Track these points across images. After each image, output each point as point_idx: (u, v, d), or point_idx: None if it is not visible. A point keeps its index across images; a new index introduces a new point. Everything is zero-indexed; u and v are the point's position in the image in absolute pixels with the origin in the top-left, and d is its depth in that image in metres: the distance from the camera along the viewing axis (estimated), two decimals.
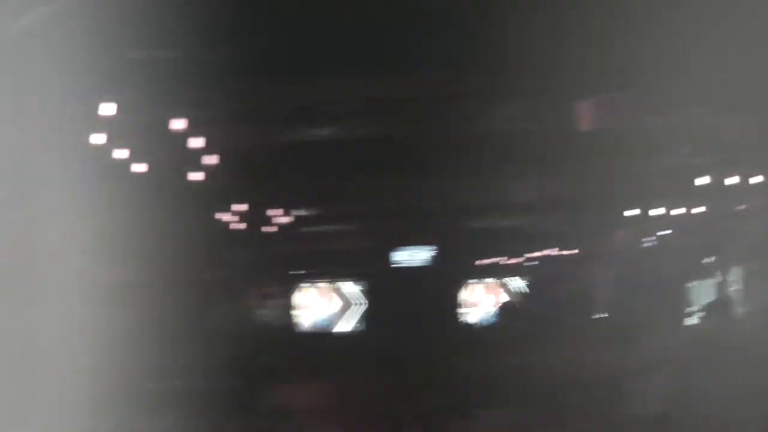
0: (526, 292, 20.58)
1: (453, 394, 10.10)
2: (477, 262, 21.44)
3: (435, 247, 20.46)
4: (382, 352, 12.95)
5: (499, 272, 21.57)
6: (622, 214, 16.94)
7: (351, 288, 21.22)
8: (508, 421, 9.30)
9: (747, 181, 13.32)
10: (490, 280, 21.25)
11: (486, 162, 13.53)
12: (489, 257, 21.42)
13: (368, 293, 20.86)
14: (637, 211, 16.70)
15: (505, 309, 13.70)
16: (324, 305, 21.16)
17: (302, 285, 21.13)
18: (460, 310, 20.61)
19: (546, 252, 20.77)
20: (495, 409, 9.54)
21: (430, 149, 12.66)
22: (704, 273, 16.56)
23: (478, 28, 8.59)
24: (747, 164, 13.24)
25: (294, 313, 20.70)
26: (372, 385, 10.49)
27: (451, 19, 8.48)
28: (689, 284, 16.52)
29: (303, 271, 21.02)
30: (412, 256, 20.57)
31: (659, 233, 17.49)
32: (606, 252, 18.96)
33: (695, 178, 14.06)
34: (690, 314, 14.66)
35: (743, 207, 14.90)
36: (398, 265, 20.54)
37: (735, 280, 16.00)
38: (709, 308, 14.88)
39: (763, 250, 14.63)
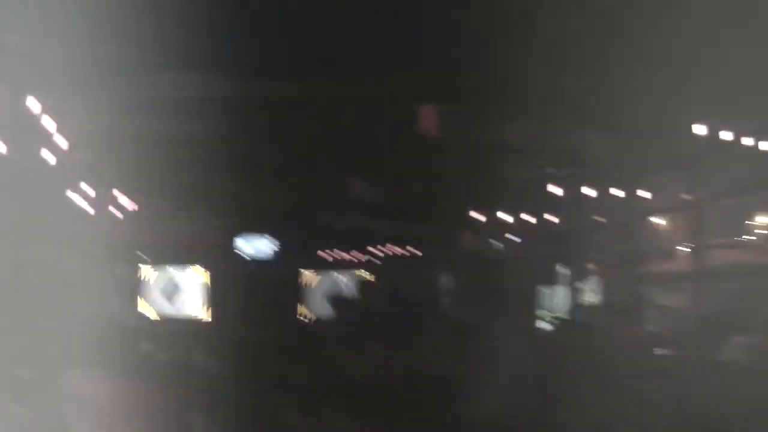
0: (368, 288, 20.83)
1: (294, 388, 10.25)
2: (321, 255, 21.90)
3: (278, 240, 20.81)
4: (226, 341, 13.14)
5: (343, 267, 22.08)
6: (470, 218, 17.15)
7: (196, 276, 21.34)
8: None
9: (604, 194, 13.66)
10: (333, 273, 21.61)
11: (331, 160, 13.77)
12: (333, 251, 21.75)
13: (212, 283, 20.99)
14: (487, 217, 16.95)
15: (338, 302, 13.64)
16: (169, 293, 21.26)
17: (150, 272, 21.15)
18: (301, 302, 20.98)
19: (392, 250, 21.16)
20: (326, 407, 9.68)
21: (276, 146, 12.93)
22: (557, 280, 17.02)
23: (320, 29, 8.74)
24: (604, 178, 13.64)
25: (140, 300, 20.73)
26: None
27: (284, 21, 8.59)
28: (542, 290, 16.86)
29: (151, 258, 21.02)
30: (257, 247, 20.78)
31: (511, 238, 17.83)
32: (454, 254, 19.33)
33: (550, 187, 14.31)
34: (541, 320, 15.14)
35: (599, 218, 15.28)
36: (244, 256, 20.86)
37: (588, 288, 16.49)
38: (560, 315, 15.56)
39: (615, 261, 14.95)
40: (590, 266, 16.15)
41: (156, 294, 21.33)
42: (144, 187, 15.68)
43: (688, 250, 12.65)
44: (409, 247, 20.55)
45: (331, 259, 21.82)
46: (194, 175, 14.61)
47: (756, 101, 9.26)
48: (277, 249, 20.74)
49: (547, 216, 15.57)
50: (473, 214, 16.82)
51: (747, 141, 10.30)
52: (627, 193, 13.05)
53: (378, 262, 21.57)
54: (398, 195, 16.09)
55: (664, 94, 9.46)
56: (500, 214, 16.45)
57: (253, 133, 12.29)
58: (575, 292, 15.81)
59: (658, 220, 16.76)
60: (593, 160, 12.83)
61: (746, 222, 16.72)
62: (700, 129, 10.40)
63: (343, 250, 21.73)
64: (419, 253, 20.36)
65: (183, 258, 21.28)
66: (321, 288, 21.21)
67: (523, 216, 16.12)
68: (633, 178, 12.93)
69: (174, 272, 21.70)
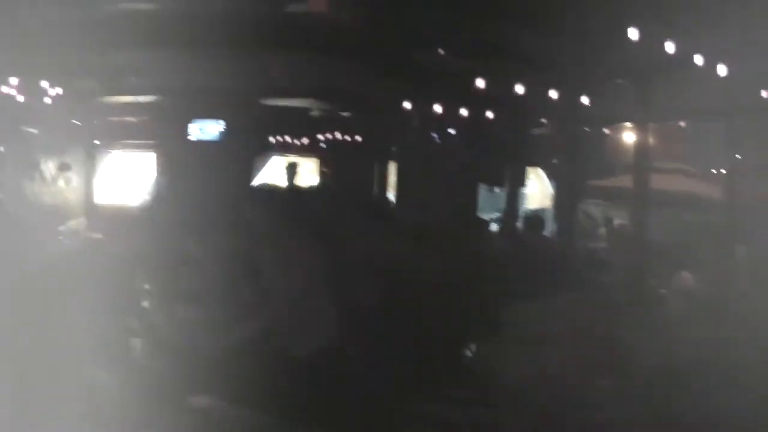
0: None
1: None
2: (272, 140, 21.28)
3: (227, 122, 20.23)
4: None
5: (292, 151, 21.44)
6: (406, 108, 16.55)
7: (146, 159, 20.91)
8: None
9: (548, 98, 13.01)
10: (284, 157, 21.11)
11: (274, 43, 13.20)
12: (281, 135, 21.22)
13: (161, 165, 20.54)
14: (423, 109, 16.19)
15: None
16: (123, 176, 20.83)
17: (101, 156, 20.73)
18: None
19: (335, 136, 20.59)
20: None
21: (220, 25, 12.36)
22: (498, 181, 16.26)
23: None
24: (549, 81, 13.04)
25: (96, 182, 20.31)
26: None
27: None
28: (482, 190, 16.17)
29: (100, 142, 20.54)
30: (206, 130, 20.29)
31: (452, 134, 17.03)
32: (395, 142, 18.62)
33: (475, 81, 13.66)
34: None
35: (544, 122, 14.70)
36: (192, 139, 20.26)
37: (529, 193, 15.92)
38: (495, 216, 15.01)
39: (559, 168, 14.28)
40: (532, 171, 15.69)
41: (107, 179, 20.81)
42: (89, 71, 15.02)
43: (634, 170, 11.89)
44: (354, 136, 20.05)
45: (280, 143, 21.31)
46: (141, 54, 13.88)
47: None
48: (228, 133, 20.22)
49: (491, 114, 14.76)
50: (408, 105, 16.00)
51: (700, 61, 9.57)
52: (571, 100, 12.30)
53: (325, 147, 21.08)
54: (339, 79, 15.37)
55: None
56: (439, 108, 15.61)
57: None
58: (514, 195, 15.11)
59: (604, 133, 16.12)
60: (537, 60, 12.12)
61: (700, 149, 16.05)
62: (649, 42, 9.68)
63: (291, 136, 21.23)
64: (362, 141, 19.81)
65: (136, 142, 20.78)
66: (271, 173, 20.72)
67: (464, 112, 15.22)
68: (580, 84, 12.20)
69: (123, 156, 21.21)
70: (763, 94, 10.67)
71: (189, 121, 19.74)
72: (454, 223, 12.23)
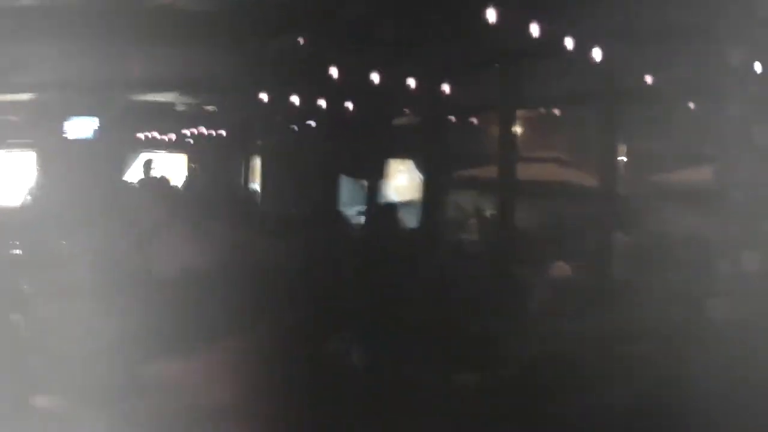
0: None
1: None
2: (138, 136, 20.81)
3: (97, 119, 19.84)
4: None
5: (159, 147, 21.02)
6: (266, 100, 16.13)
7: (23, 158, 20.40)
8: None
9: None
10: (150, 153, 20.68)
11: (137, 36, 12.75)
12: (147, 132, 20.76)
13: (37, 164, 20.10)
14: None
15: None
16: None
17: None
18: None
19: (198, 130, 20.19)
20: None
21: (87, 18, 11.86)
22: (359, 173, 16.06)
23: None
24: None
25: None
26: None
27: None
28: (344, 181, 15.89)
29: None
30: (77, 127, 19.91)
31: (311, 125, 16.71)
32: (257, 138, 18.70)
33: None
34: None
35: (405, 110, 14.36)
36: (66, 136, 19.83)
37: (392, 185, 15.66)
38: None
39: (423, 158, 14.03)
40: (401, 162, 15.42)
41: None
42: None
43: (503, 159, 11.58)
44: (217, 130, 19.68)
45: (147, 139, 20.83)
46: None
47: None
48: (99, 130, 19.76)
49: (351, 104, 14.37)
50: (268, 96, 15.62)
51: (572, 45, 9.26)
52: (430, 87, 11.94)
53: (191, 142, 20.70)
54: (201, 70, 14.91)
55: None
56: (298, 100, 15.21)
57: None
58: (375, 187, 14.80)
59: (472, 121, 15.84)
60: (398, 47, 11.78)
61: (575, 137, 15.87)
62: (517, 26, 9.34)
63: (158, 131, 20.76)
64: (224, 134, 19.46)
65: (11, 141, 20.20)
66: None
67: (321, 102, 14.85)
68: (440, 69, 11.86)
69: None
70: (642, 79, 10.50)
71: (64, 119, 19.39)
72: (313, 216, 12.16)
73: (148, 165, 16.84)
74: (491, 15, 8.79)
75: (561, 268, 9.25)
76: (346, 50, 12.02)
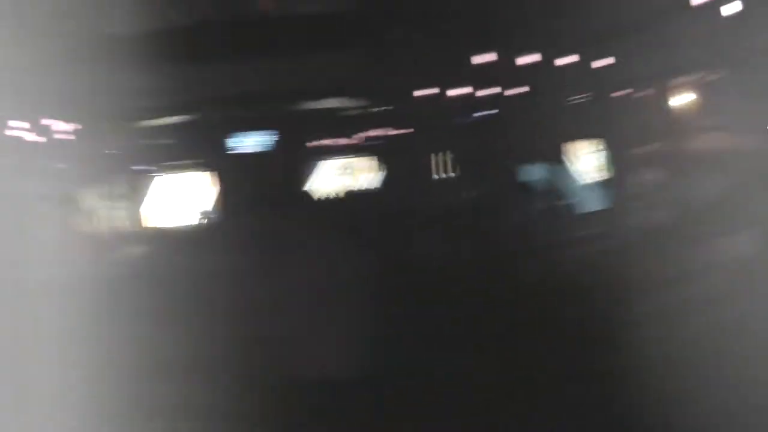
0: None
1: None
2: (317, 144, 21.10)
3: (274, 131, 20.14)
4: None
5: (343, 153, 21.27)
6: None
7: (199, 179, 20.81)
8: None
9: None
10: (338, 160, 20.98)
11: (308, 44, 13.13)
12: (328, 138, 21.05)
13: (217, 182, 20.50)
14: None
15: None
16: (177, 199, 20.72)
17: (147, 181, 20.63)
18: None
19: (381, 132, 20.36)
20: None
21: (257, 32, 12.10)
22: (542, 158, 16.12)
23: None
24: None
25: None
26: None
27: None
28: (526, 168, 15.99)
29: (145, 167, 20.45)
30: (253, 141, 20.24)
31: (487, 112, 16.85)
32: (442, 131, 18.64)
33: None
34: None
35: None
36: (241, 152, 20.18)
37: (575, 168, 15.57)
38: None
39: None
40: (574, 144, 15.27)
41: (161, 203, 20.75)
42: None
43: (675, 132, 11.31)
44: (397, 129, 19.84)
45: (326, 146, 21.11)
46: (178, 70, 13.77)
47: None
48: (275, 141, 20.12)
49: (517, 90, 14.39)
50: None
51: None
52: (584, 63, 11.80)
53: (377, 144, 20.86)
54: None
55: None
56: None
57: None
58: (558, 171, 14.74)
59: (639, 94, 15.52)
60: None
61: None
62: None
63: (337, 137, 21.03)
64: (408, 133, 19.63)
65: (183, 162, 20.72)
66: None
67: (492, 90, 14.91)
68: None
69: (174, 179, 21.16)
70: None
71: (227, 135, 19.93)
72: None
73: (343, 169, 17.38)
74: None
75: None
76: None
